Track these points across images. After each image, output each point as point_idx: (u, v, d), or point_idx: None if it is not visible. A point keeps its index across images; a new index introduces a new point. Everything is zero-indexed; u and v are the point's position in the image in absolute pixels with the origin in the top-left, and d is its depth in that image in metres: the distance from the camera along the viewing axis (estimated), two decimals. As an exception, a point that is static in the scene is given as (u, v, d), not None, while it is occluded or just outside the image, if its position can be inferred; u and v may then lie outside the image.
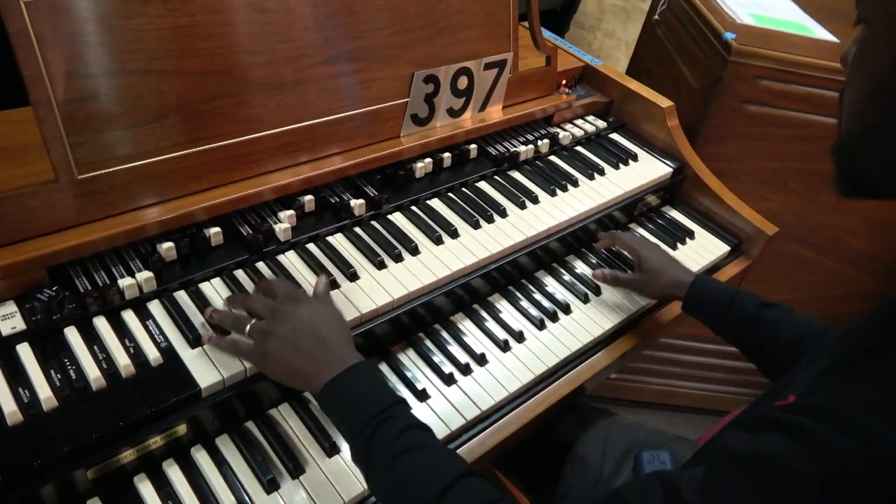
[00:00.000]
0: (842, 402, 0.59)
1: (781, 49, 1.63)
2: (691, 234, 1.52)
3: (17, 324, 0.87)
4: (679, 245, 1.48)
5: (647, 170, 1.54)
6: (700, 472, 0.64)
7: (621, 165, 1.52)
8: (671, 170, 1.55)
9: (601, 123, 1.63)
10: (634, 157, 1.56)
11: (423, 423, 0.81)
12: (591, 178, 1.46)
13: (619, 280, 1.28)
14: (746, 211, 1.53)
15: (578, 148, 1.56)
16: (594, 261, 1.39)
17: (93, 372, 0.85)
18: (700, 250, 1.49)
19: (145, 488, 0.84)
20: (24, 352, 0.85)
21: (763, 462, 0.60)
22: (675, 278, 1.22)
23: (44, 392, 0.81)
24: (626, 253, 1.36)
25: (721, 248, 1.51)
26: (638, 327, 1.30)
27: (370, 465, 0.78)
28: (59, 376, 0.84)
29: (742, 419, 0.96)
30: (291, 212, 1.12)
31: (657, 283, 1.24)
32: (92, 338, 0.90)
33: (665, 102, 1.59)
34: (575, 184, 1.43)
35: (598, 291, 1.31)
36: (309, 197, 1.15)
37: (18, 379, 0.83)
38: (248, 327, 0.89)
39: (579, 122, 1.62)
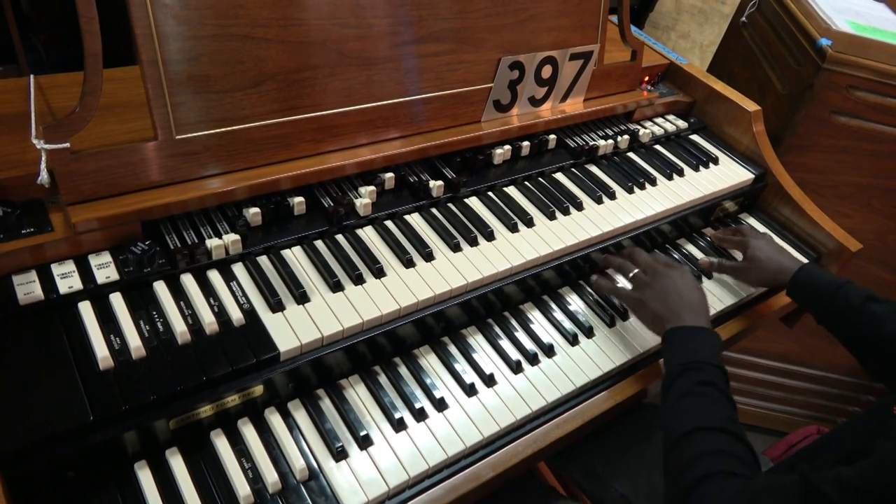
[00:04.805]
0: None
1: (881, 60, 1.56)
2: (768, 244, 1.47)
3: (111, 273, 0.90)
4: (755, 254, 1.44)
5: (728, 174, 1.49)
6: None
7: (701, 168, 1.48)
8: (753, 176, 1.51)
9: (682, 123, 1.59)
10: (715, 161, 1.52)
11: (724, 390, 0.93)
12: (670, 178, 1.43)
13: (725, 268, 1.32)
14: (829, 224, 1.47)
15: (658, 146, 1.52)
16: (677, 257, 1.37)
17: (179, 326, 0.87)
18: (777, 261, 1.44)
19: (221, 443, 0.86)
20: (117, 301, 0.89)
21: None
22: (782, 265, 1.26)
23: (133, 341, 0.84)
24: (731, 249, 1.40)
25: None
26: (743, 313, 1.33)
27: (668, 392, 0.96)
28: (147, 327, 0.87)
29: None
30: (372, 188, 1.13)
31: (762, 271, 1.27)
32: (179, 293, 0.92)
33: (752, 106, 1.54)
34: (653, 182, 1.40)
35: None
36: (389, 174, 1.16)
37: (110, 326, 0.86)
38: (631, 274, 1.15)
39: (659, 120, 1.59)
